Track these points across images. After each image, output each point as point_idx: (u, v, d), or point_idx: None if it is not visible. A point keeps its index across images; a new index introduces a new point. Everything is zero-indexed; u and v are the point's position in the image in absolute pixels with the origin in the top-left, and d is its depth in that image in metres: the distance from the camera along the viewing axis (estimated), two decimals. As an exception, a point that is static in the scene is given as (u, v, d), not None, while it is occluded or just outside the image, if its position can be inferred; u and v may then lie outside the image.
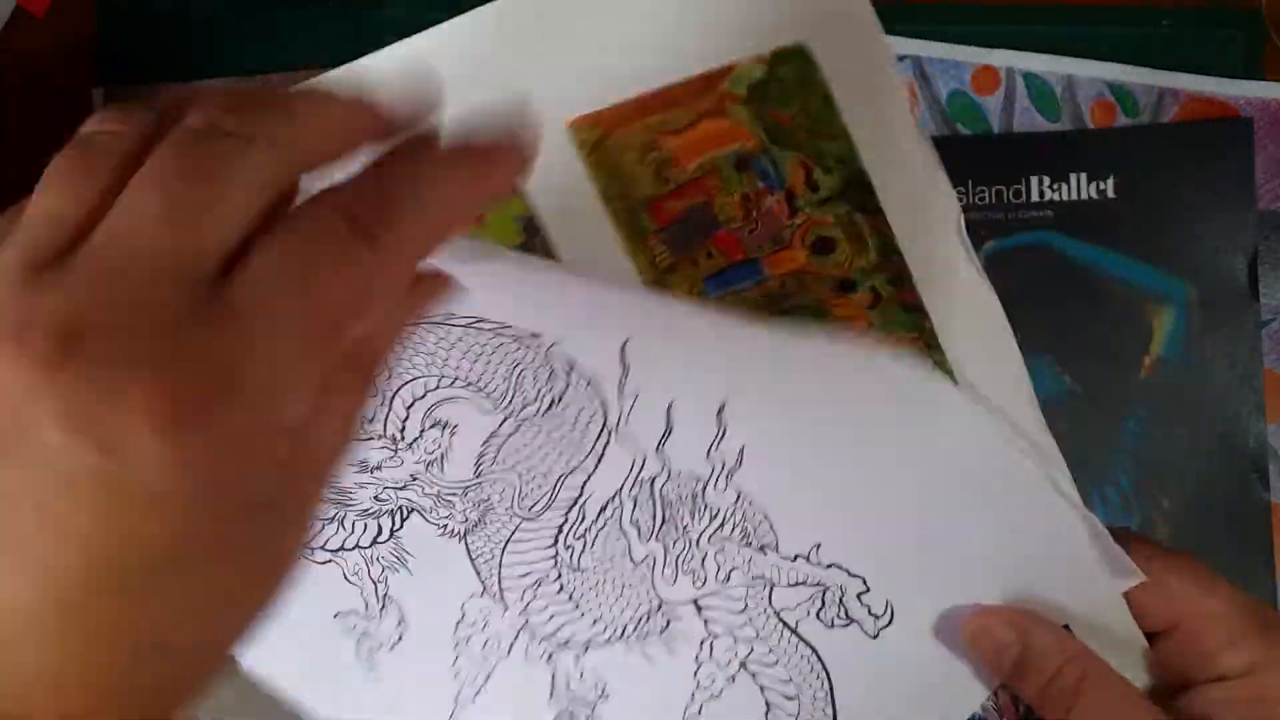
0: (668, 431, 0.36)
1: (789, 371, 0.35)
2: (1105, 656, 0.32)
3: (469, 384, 0.36)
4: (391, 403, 0.37)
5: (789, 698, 0.36)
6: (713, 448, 0.36)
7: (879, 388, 0.34)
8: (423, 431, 0.37)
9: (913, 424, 0.35)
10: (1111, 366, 0.44)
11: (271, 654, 0.37)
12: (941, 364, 0.36)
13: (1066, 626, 0.34)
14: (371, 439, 0.37)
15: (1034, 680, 0.32)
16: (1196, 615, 0.32)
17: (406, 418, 0.37)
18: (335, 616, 0.37)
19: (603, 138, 0.35)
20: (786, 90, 0.35)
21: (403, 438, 0.37)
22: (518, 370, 0.36)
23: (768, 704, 0.36)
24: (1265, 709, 0.31)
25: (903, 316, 0.36)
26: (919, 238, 0.35)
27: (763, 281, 0.36)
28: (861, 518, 0.35)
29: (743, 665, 0.36)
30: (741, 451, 0.36)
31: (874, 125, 0.35)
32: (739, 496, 0.36)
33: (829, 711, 0.36)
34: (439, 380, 0.37)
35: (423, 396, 0.37)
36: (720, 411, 0.36)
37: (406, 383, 0.37)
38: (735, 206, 0.36)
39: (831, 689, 0.36)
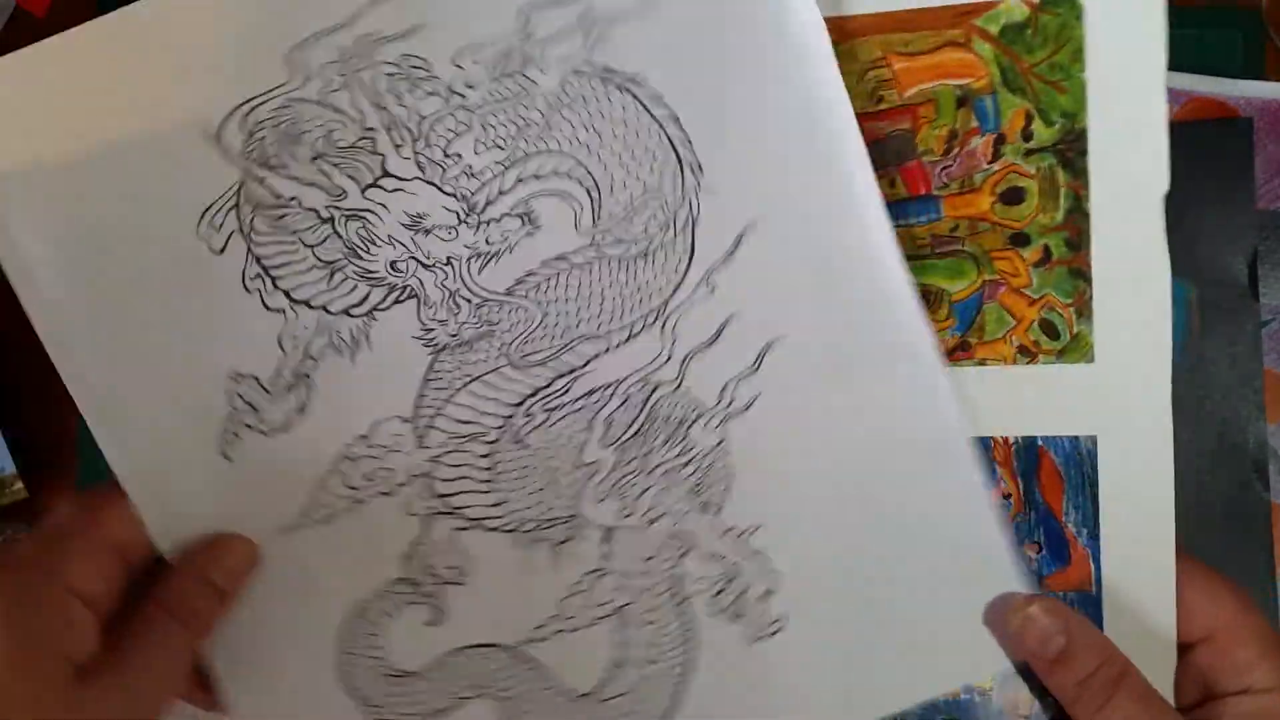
0: (708, 343, 0.34)
1: (855, 344, 0.34)
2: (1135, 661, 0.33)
3: (595, 187, 0.34)
4: (509, 169, 0.34)
5: (646, 661, 0.35)
6: (733, 382, 0.34)
7: (911, 424, 0.34)
8: (504, 216, 0.34)
9: (917, 467, 0.34)
10: (1111, 367, 0.44)
11: (116, 398, 0.34)
12: (1084, 336, 0.35)
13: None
14: (452, 195, 0.34)
15: (1073, 673, 0.33)
16: (1234, 628, 0.33)
17: (507, 191, 0.34)
18: (231, 377, 0.34)
19: (833, 44, 0.34)
20: (1041, 37, 0.35)
21: (481, 212, 0.34)
22: (648, 199, 0.34)
23: (617, 660, 0.35)
24: None
25: (1065, 281, 0.36)
26: (1117, 206, 0.35)
27: (936, 221, 0.36)
28: (814, 518, 0.35)
29: (617, 611, 0.35)
30: (754, 400, 0.34)
31: (1119, 87, 0.34)
32: (719, 444, 0.34)
33: (675, 695, 0.35)
34: (570, 169, 0.34)
35: (540, 178, 0.34)
36: (765, 351, 0.34)
37: (541, 153, 0.34)
38: (939, 140, 0.36)
39: (685, 673, 0.35)
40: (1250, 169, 0.44)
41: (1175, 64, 0.46)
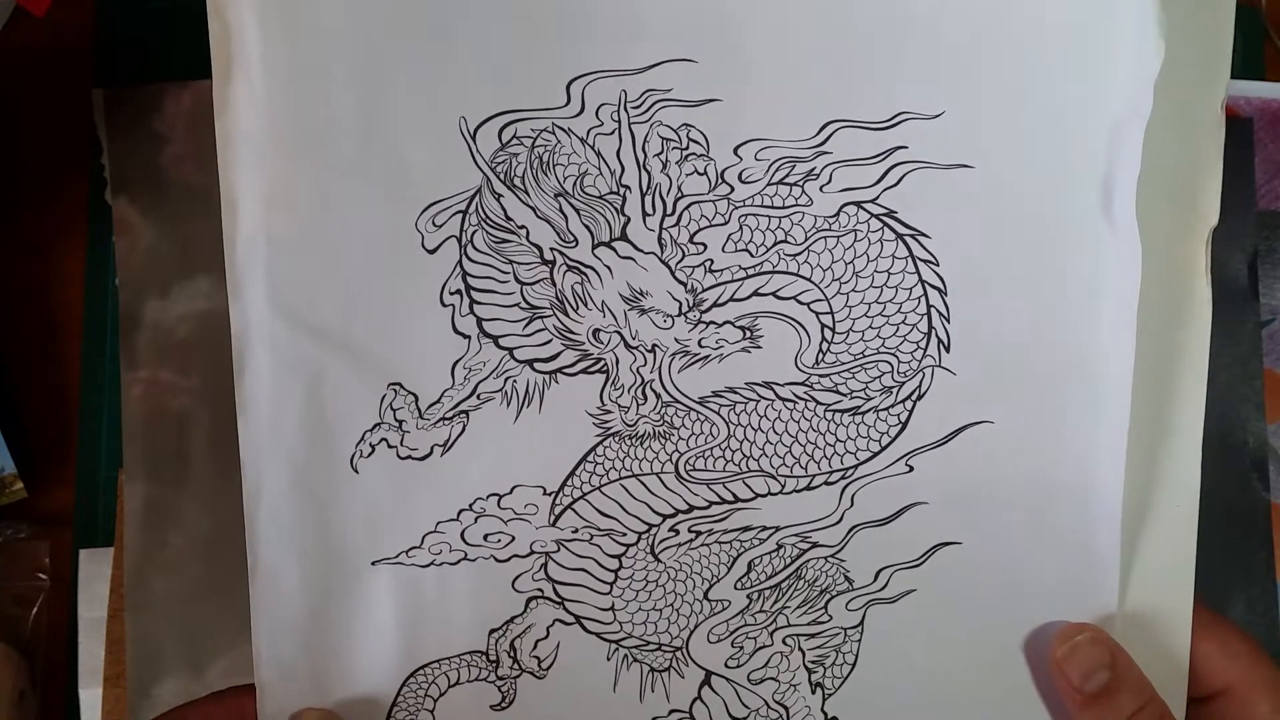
0: (882, 521, 0.33)
1: (1033, 578, 0.32)
2: None
3: (831, 328, 0.32)
4: (750, 278, 0.32)
5: None
6: (891, 569, 0.33)
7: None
8: (726, 324, 0.32)
9: None
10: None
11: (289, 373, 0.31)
12: None
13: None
14: (682, 283, 0.31)
15: (1114, 713, 0.31)
16: (1251, 681, 0.32)
17: (740, 299, 0.32)
18: (391, 386, 0.32)
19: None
20: None
21: (705, 311, 0.32)
22: (881, 358, 0.32)
23: None
24: None
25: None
26: (1162, 242, 0.32)
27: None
28: None
29: None
30: (906, 594, 0.33)
31: (1175, 101, 0.31)
32: (855, 627, 0.33)
33: None
34: (813, 301, 0.32)
35: (780, 298, 0.32)
36: (935, 550, 0.33)
37: (789, 274, 0.32)
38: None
39: None
40: (1250, 169, 0.44)
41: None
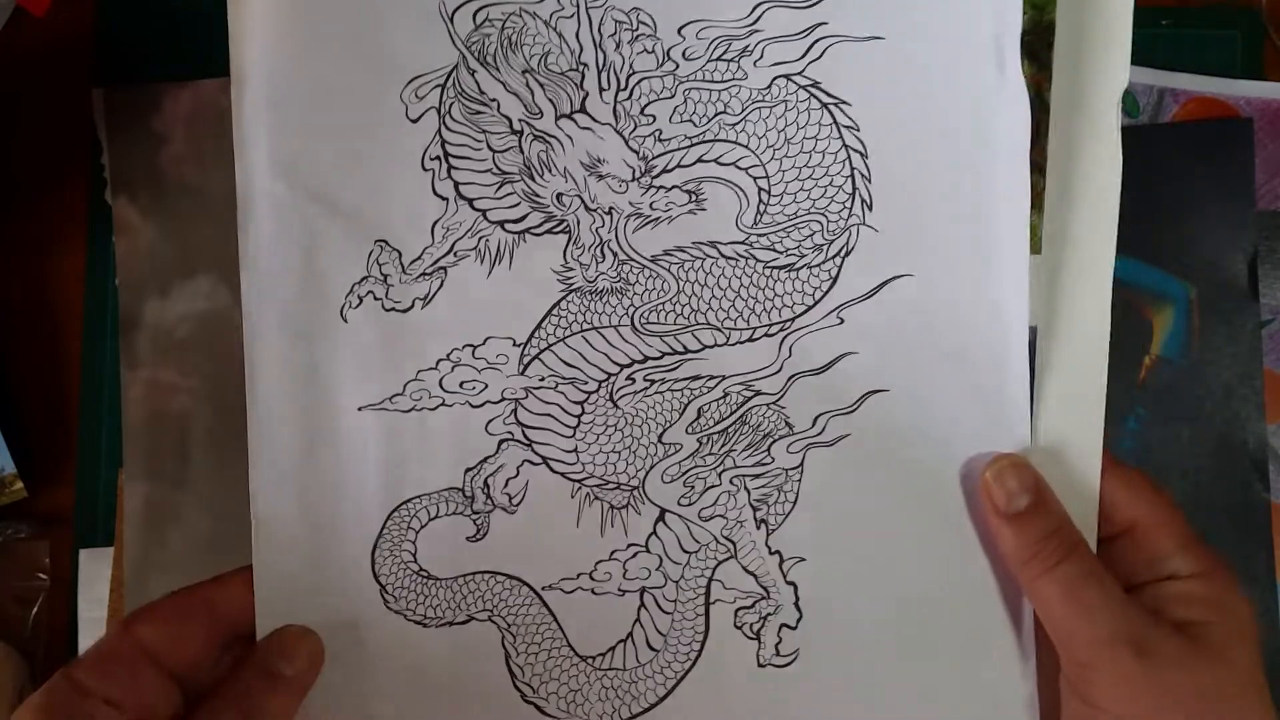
0: (817, 371, 0.35)
1: (953, 419, 0.35)
2: None
3: (766, 190, 0.35)
4: (694, 146, 0.35)
5: (652, 648, 0.36)
6: (827, 415, 0.35)
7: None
8: (674, 188, 0.36)
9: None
10: (1111, 366, 0.45)
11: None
12: (1035, 227, 0.36)
13: None
14: (635, 151, 0.35)
15: (1031, 532, 0.33)
16: (1153, 520, 0.34)
17: (685, 165, 0.36)
18: (378, 242, 0.35)
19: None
20: None
21: (656, 176, 0.36)
22: (812, 217, 0.35)
23: (627, 636, 0.36)
24: (1214, 607, 0.33)
25: (1021, 171, 0.37)
26: (1075, 99, 0.35)
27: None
28: (856, 572, 0.35)
29: (642, 590, 0.36)
30: (841, 439, 0.35)
31: None
32: (795, 468, 0.35)
33: (668, 689, 0.36)
34: (750, 166, 0.36)
35: (721, 164, 0.35)
36: (866, 397, 0.35)
37: (729, 141, 0.35)
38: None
39: (685, 671, 0.36)
40: (1250, 169, 0.45)
41: (1175, 64, 0.47)
